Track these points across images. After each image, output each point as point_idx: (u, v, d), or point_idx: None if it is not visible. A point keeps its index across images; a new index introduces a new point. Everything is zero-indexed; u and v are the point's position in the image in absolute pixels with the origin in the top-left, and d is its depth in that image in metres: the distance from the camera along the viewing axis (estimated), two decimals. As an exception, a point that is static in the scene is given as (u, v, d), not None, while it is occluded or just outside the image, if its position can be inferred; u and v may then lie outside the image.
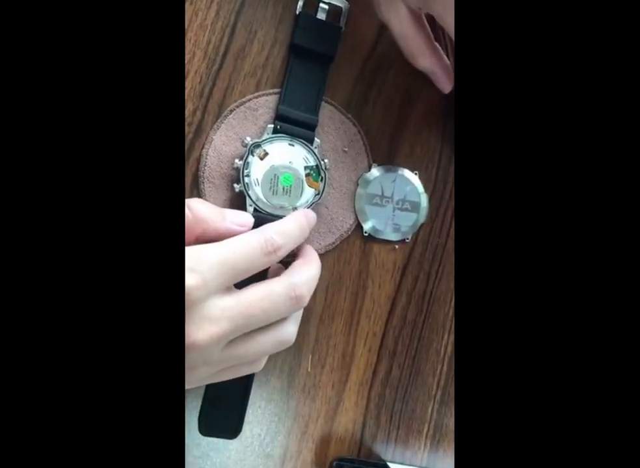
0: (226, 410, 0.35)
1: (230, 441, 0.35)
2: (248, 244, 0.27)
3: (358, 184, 0.37)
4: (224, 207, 0.34)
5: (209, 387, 0.35)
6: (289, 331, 0.29)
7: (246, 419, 0.35)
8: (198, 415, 0.34)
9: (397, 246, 0.38)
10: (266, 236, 0.28)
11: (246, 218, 0.31)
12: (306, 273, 0.29)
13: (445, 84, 0.36)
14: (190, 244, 0.32)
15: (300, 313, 0.31)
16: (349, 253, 0.37)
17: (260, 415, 0.36)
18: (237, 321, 0.25)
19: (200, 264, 0.24)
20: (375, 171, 0.37)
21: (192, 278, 0.24)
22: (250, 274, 0.27)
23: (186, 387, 0.28)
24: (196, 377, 0.27)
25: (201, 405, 0.34)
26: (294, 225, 0.30)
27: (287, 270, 0.29)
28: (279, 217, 0.34)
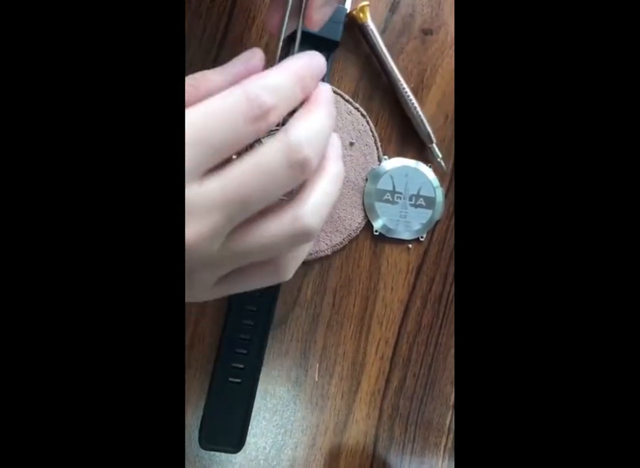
0: (228, 421, 0.33)
1: (233, 454, 0.33)
2: (225, 108, 0.19)
3: (367, 180, 0.34)
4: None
5: (210, 397, 0.33)
6: (288, 269, 0.23)
7: (250, 431, 0.33)
8: (198, 427, 0.32)
9: (410, 246, 0.35)
10: (248, 93, 0.19)
11: (245, 55, 0.23)
12: (307, 126, 0.20)
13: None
14: None
15: (305, 250, 0.24)
16: (358, 254, 0.35)
17: (265, 427, 0.34)
18: (230, 208, 0.19)
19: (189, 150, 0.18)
20: (386, 165, 0.35)
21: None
22: (233, 150, 0.20)
23: (194, 299, 0.22)
24: (202, 286, 0.22)
25: (202, 417, 0.32)
26: (288, 75, 0.21)
27: (284, 126, 0.21)
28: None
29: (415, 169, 0.35)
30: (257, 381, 0.33)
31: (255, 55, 0.24)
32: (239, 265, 0.22)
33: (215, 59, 0.33)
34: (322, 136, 0.21)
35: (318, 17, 0.23)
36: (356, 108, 0.34)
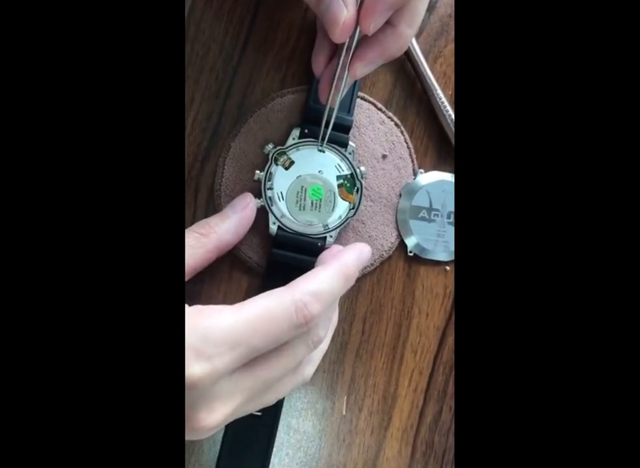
0: (247, 458, 0.30)
1: (253, 494, 0.31)
2: (271, 315, 0.21)
3: (400, 195, 0.32)
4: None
5: (227, 431, 0.30)
6: (307, 373, 0.26)
7: (271, 469, 0.31)
8: (215, 465, 0.30)
9: (447, 268, 0.32)
10: (297, 302, 0.22)
11: (241, 202, 0.28)
12: (328, 319, 0.25)
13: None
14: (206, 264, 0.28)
15: (323, 350, 0.27)
16: (391, 276, 0.32)
17: (288, 464, 0.32)
18: (252, 391, 0.22)
19: (207, 344, 0.20)
20: (422, 179, 0.32)
21: (199, 366, 0.20)
22: (269, 350, 0.22)
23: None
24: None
25: (219, 453, 0.30)
26: (338, 279, 0.23)
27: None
28: (307, 236, 0.29)
29: (454, 184, 0.32)
30: (280, 415, 0.31)
31: (248, 202, 0.28)
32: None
33: (237, 67, 0.30)
34: (334, 321, 0.27)
35: (362, 72, 0.25)
36: (390, 118, 0.32)
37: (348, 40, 0.24)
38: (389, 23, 0.24)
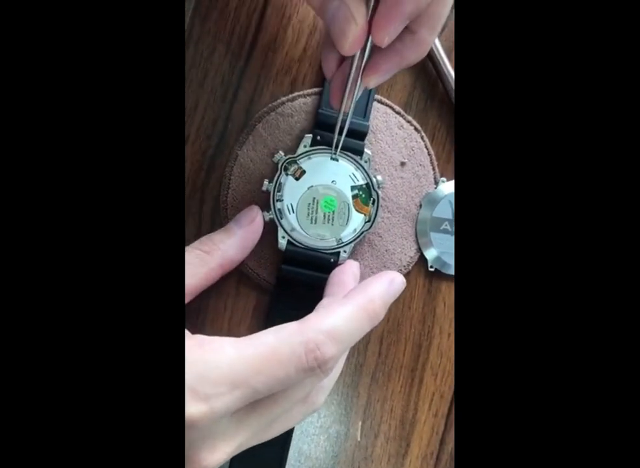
0: (256, 486, 0.29)
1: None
2: (277, 356, 0.19)
3: (420, 206, 0.29)
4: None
5: (233, 459, 0.28)
6: (318, 401, 0.24)
7: (281, 498, 0.29)
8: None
9: (471, 284, 0.30)
10: (308, 342, 0.19)
11: (247, 215, 0.26)
12: (341, 361, 0.24)
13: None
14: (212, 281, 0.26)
15: (334, 376, 0.25)
16: (410, 293, 0.30)
17: (298, 492, 0.30)
18: (256, 427, 0.21)
19: (204, 384, 0.18)
20: (444, 188, 0.29)
21: (195, 407, 0.18)
22: (274, 392, 0.20)
23: None
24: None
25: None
26: (361, 317, 0.21)
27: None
28: (319, 251, 0.27)
29: (479, 194, 0.29)
30: (290, 440, 0.29)
31: (255, 215, 0.26)
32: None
33: (244, 69, 0.28)
34: (345, 357, 0.25)
35: (376, 82, 0.23)
36: (409, 122, 0.29)
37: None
38: (407, 29, 0.21)
